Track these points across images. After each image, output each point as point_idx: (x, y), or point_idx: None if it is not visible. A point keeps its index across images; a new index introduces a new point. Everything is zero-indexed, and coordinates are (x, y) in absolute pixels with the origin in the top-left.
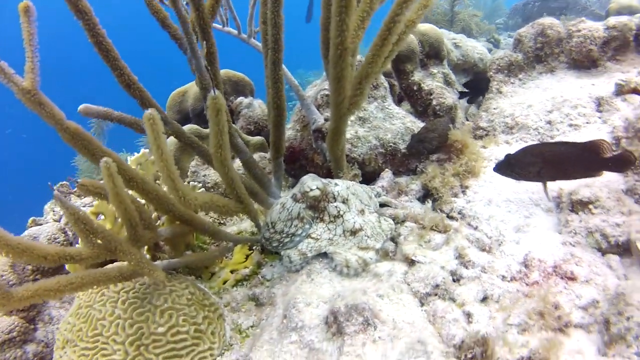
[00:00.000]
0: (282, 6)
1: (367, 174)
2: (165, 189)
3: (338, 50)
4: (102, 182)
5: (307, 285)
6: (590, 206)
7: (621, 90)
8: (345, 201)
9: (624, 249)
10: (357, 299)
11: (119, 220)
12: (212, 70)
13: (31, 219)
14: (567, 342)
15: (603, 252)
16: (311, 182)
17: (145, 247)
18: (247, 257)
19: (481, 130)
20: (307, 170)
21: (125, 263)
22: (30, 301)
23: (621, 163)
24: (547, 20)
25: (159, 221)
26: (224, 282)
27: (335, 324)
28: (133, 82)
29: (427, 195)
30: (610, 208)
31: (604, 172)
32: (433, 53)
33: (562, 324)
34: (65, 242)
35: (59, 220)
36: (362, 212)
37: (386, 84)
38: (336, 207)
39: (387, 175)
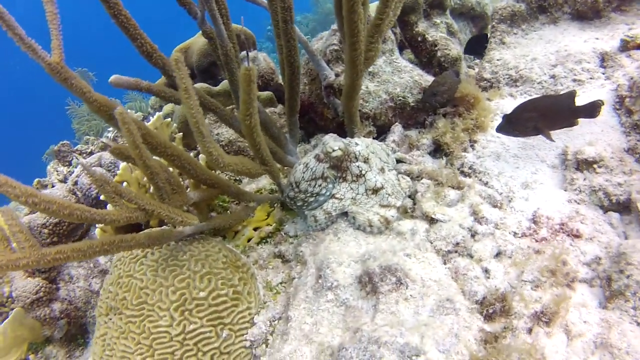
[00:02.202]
0: None
1: (377, 127)
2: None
3: (350, 2)
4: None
5: (335, 244)
6: (595, 165)
7: (626, 46)
8: (366, 160)
9: (624, 207)
10: (389, 260)
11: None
12: (225, 21)
13: (36, 180)
14: (573, 295)
15: (605, 210)
16: (333, 143)
17: None
18: (268, 214)
19: (485, 82)
20: (316, 124)
21: (152, 229)
22: (62, 262)
23: (591, 110)
24: None
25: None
26: (248, 240)
27: (370, 283)
28: (154, 51)
29: (437, 149)
30: (614, 168)
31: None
32: (437, 3)
33: (569, 280)
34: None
35: (64, 181)
36: (382, 170)
37: (393, 37)
38: (358, 166)
39: (397, 129)
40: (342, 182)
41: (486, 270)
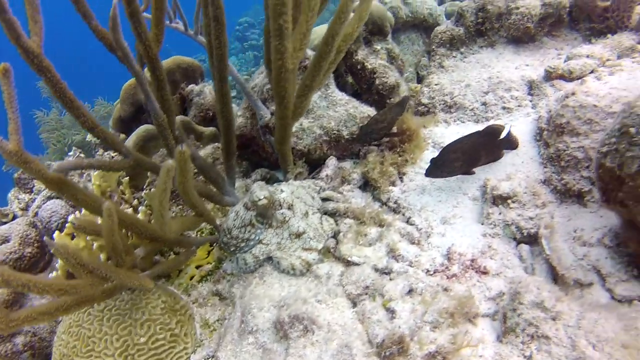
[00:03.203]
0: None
1: (313, 161)
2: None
3: (280, 71)
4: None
5: (261, 287)
6: (509, 201)
7: (550, 76)
8: (290, 207)
9: (535, 239)
10: (298, 309)
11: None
12: (164, 104)
13: None
14: (474, 330)
15: (518, 242)
16: (259, 192)
17: None
18: (209, 253)
19: (422, 107)
20: (259, 155)
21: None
22: (32, 324)
23: (512, 142)
24: None
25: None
26: (191, 278)
27: (282, 330)
28: (95, 126)
29: (367, 183)
30: (526, 202)
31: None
32: (376, 30)
33: (472, 316)
34: (36, 237)
35: (26, 209)
36: (305, 214)
37: None
38: (282, 213)
39: (331, 162)
40: (269, 227)
41: (392, 311)
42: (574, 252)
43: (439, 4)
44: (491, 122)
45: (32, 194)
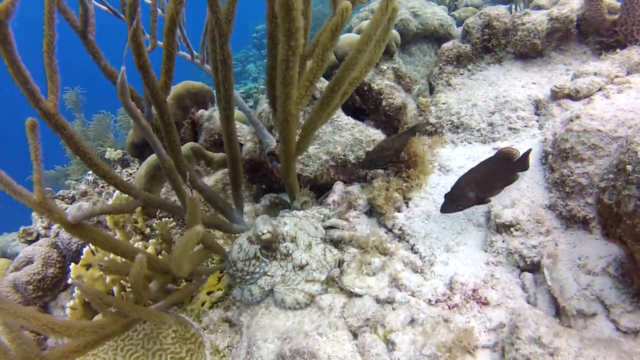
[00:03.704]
0: (228, 40)
1: (320, 186)
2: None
3: (285, 116)
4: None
5: (267, 317)
6: (512, 229)
7: (556, 96)
8: (293, 239)
9: (538, 267)
10: (299, 344)
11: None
12: (171, 145)
13: (22, 228)
14: None
15: (521, 270)
16: (263, 226)
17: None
18: (219, 279)
19: (430, 126)
20: (268, 178)
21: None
22: None
23: (524, 163)
24: (493, 10)
25: None
26: (202, 304)
27: None
28: (107, 172)
29: (372, 209)
30: (529, 230)
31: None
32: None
33: (471, 347)
34: (59, 257)
35: (48, 227)
36: (309, 246)
37: None
38: (286, 246)
39: (338, 188)
40: (273, 260)
41: (392, 343)
42: (578, 280)
43: (453, 9)
44: (498, 144)
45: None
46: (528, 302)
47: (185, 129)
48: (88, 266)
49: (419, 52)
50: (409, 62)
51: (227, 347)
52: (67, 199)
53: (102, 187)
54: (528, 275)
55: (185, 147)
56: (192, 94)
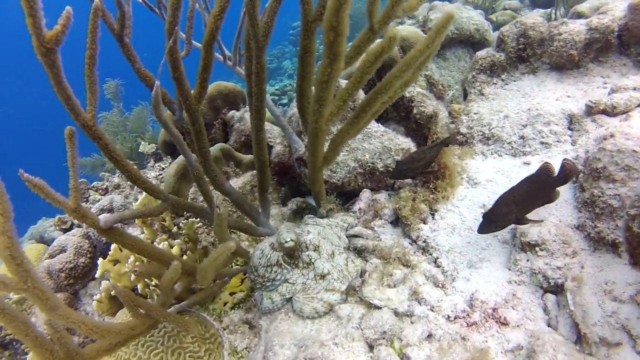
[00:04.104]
0: (264, 53)
1: (347, 193)
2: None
3: (315, 131)
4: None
5: (285, 323)
6: (537, 248)
7: (591, 111)
8: (316, 248)
9: (562, 289)
10: (314, 353)
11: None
12: (201, 151)
13: (57, 217)
14: None
15: (545, 291)
16: (286, 234)
17: None
18: (242, 281)
19: (461, 136)
20: (296, 181)
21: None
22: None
23: (566, 177)
24: (529, 19)
25: None
26: (224, 304)
27: None
28: (138, 177)
29: (398, 219)
30: (555, 251)
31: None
32: None
33: None
34: (90, 248)
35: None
36: (332, 255)
37: None
38: (308, 255)
39: (365, 196)
40: (295, 268)
41: (407, 357)
42: (603, 307)
43: (491, 13)
44: (528, 158)
45: (88, 203)
46: (549, 326)
47: (216, 129)
48: (115, 262)
49: (454, 57)
50: (443, 67)
51: (246, 348)
52: (100, 190)
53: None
54: (551, 297)
55: (215, 148)
56: (223, 94)
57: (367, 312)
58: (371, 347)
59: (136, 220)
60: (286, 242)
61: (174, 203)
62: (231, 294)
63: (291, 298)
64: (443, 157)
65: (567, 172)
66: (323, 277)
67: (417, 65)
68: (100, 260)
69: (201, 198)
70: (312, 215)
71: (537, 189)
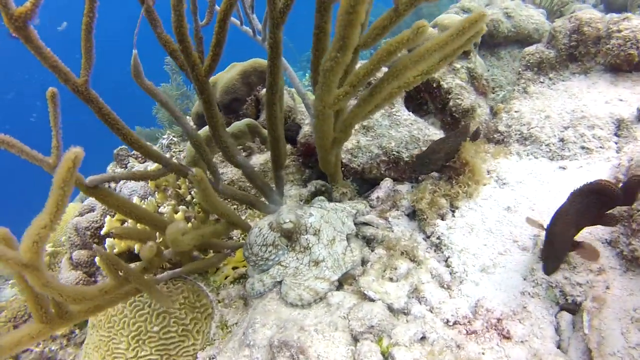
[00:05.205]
0: (280, 29)
1: (369, 180)
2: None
3: (319, 112)
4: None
5: (274, 302)
6: None
7: None
8: (316, 232)
9: (580, 308)
10: (289, 336)
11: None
12: (211, 120)
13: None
14: None
15: (560, 308)
16: (286, 215)
17: None
18: None
19: (498, 134)
20: None
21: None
22: (83, 318)
23: (628, 197)
24: (585, 14)
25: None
26: (226, 278)
27: (271, 352)
28: (135, 141)
29: (415, 212)
30: (577, 265)
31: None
32: None
33: None
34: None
35: (117, 182)
36: (332, 241)
37: None
38: (307, 239)
39: (385, 184)
40: (291, 251)
41: (392, 357)
42: (627, 336)
43: (558, 16)
44: (566, 162)
45: (126, 169)
46: (558, 347)
47: (248, 105)
48: (122, 222)
49: (509, 56)
50: (496, 66)
51: (236, 324)
52: (140, 159)
53: (174, 152)
54: (566, 316)
55: (242, 123)
56: (258, 71)
57: (358, 303)
58: (356, 340)
59: (149, 185)
60: (285, 222)
61: (176, 168)
62: (234, 268)
63: (282, 281)
64: (463, 152)
65: (631, 192)
66: (317, 264)
67: (435, 59)
68: (107, 219)
69: (221, 170)
70: (324, 198)
71: (589, 208)
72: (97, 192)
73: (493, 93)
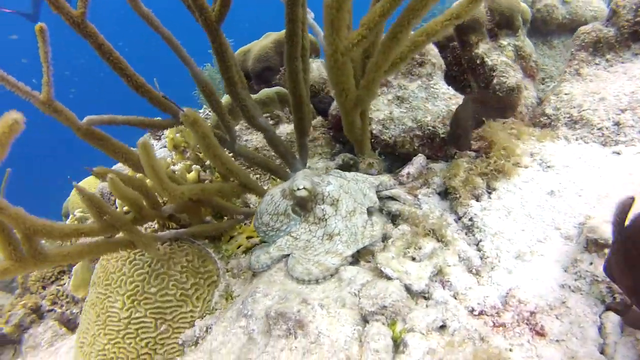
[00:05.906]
0: None
1: (401, 154)
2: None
3: (331, 60)
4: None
5: (281, 273)
6: (606, 249)
7: None
8: (335, 202)
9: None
10: (288, 307)
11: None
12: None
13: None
14: None
15: (606, 307)
16: (300, 181)
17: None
18: None
19: (545, 117)
20: None
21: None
22: (60, 262)
23: None
24: None
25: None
26: (238, 247)
27: (268, 324)
28: (141, 85)
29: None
30: None
31: None
32: (504, 22)
33: None
34: None
35: None
36: (352, 213)
37: (435, 60)
38: (323, 209)
39: (417, 160)
40: (304, 222)
41: (404, 345)
42: None
43: None
44: (620, 147)
45: (160, 141)
46: (602, 353)
47: (282, 75)
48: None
49: (562, 46)
50: (548, 56)
51: (239, 295)
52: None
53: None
54: (612, 317)
55: (272, 90)
56: None
57: (372, 280)
58: (365, 321)
59: (167, 144)
60: (298, 189)
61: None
62: (249, 237)
63: (290, 254)
64: (486, 132)
65: None
66: (331, 237)
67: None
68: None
69: (245, 137)
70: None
71: None
72: (92, 135)
73: (542, 84)
